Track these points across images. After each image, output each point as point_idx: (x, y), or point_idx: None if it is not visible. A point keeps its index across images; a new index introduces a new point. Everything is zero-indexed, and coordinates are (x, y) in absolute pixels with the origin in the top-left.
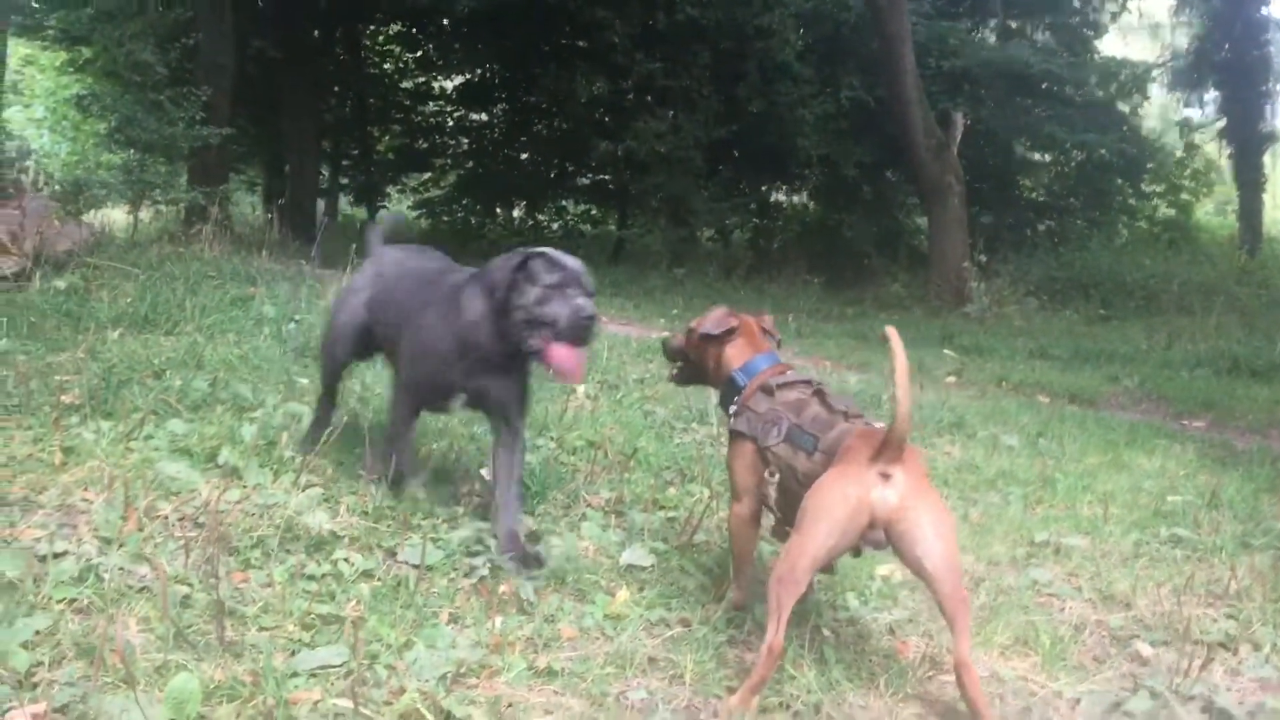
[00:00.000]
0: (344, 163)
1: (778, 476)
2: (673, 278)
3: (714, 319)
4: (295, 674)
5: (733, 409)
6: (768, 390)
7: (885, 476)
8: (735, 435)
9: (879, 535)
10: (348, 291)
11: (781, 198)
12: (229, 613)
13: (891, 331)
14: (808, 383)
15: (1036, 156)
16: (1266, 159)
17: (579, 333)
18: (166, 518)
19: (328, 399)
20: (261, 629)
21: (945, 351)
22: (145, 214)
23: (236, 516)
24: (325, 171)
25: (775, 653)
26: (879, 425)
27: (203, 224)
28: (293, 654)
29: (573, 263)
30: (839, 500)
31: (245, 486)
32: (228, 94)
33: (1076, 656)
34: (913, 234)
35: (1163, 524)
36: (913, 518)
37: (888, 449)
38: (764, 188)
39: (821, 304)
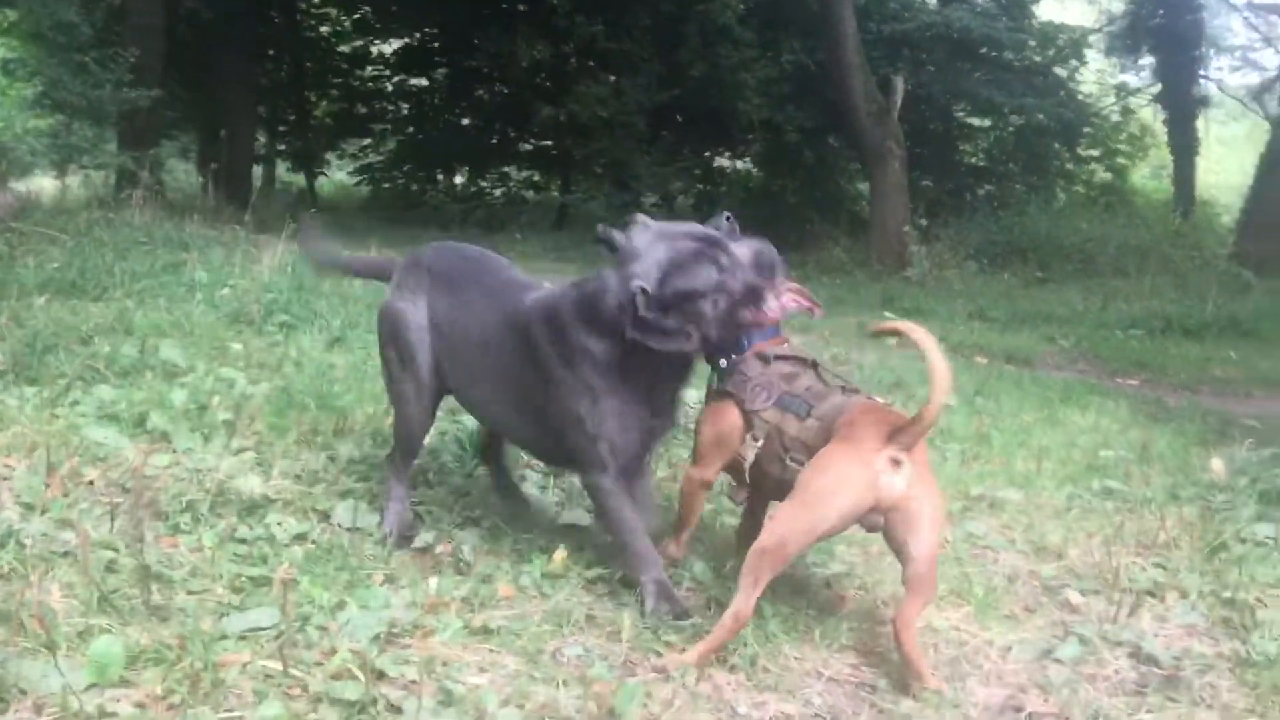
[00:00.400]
0: (281, 128)
1: (760, 441)
2: None
3: None
4: (224, 637)
5: (723, 368)
6: (763, 358)
7: (895, 463)
8: (719, 396)
9: (877, 519)
10: (406, 307)
11: (725, 163)
12: (156, 577)
13: (914, 327)
14: (805, 359)
15: (976, 121)
16: (1199, 124)
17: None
18: (92, 483)
19: (400, 476)
20: (190, 593)
21: (886, 314)
22: (74, 180)
23: (166, 481)
24: (262, 137)
25: (741, 621)
26: (880, 400)
27: (133, 189)
28: (222, 617)
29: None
30: (846, 481)
31: (175, 451)
32: (158, 56)
33: (1009, 606)
34: (854, 199)
35: (1095, 477)
36: (914, 508)
37: (905, 436)
38: (707, 153)
39: None
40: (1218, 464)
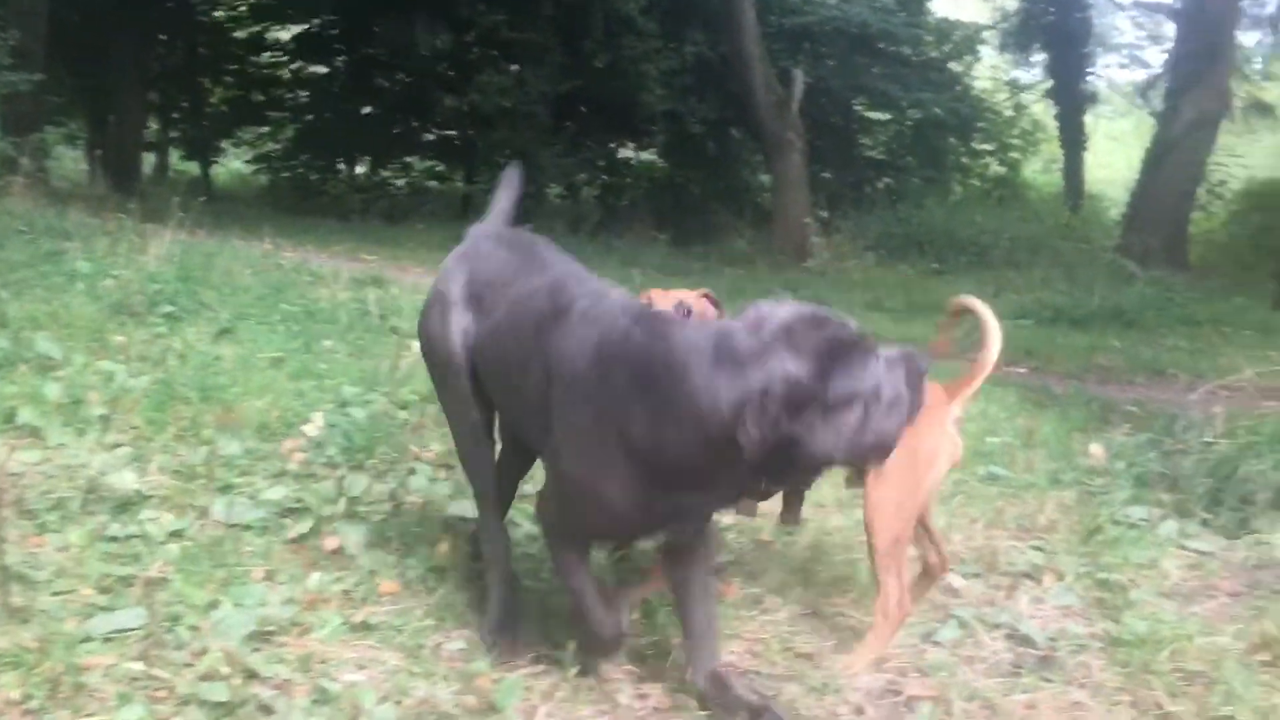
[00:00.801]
0: (174, 115)
1: None
2: None
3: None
4: (88, 639)
5: None
6: None
7: (958, 421)
8: None
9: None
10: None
11: (629, 154)
12: (18, 578)
13: (972, 300)
14: None
15: (875, 115)
16: (1088, 119)
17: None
18: None
19: (492, 519)
20: (54, 594)
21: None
22: None
23: (34, 478)
24: (155, 124)
25: (905, 610)
26: None
27: (13, 176)
28: (87, 619)
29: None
30: (938, 446)
31: (46, 447)
32: (40, 39)
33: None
34: (757, 191)
35: (981, 463)
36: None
37: (965, 394)
38: (611, 144)
39: (669, 259)
40: (1097, 449)
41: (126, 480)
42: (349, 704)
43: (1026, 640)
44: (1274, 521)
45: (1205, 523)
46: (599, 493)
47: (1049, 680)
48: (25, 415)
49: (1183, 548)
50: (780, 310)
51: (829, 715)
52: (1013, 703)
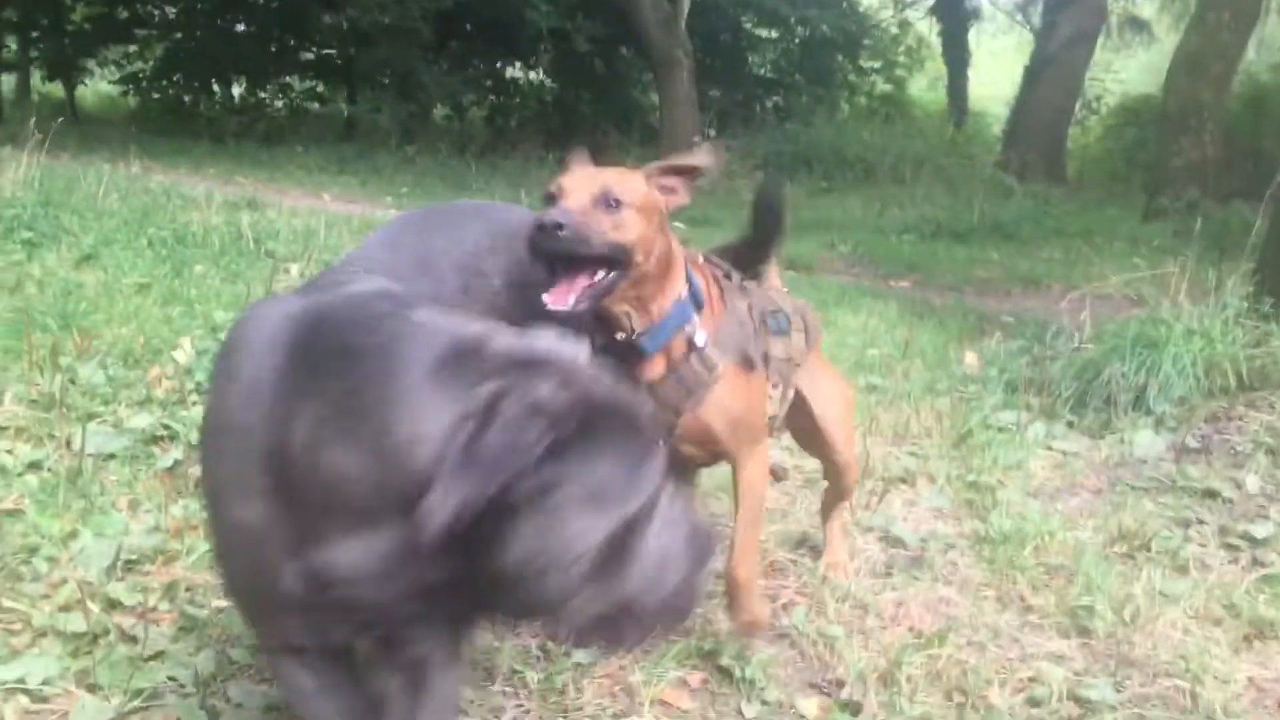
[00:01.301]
0: (33, 34)
1: (779, 386)
2: (403, 155)
3: None
4: None
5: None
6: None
7: None
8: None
9: None
10: None
11: (517, 74)
12: None
13: None
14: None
15: (763, 33)
16: (971, 36)
17: None
18: None
19: None
20: None
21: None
22: None
23: None
24: (13, 44)
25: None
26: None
27: None
28: None
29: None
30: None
31: None
32: None
33: (770, 500)
34: (647, 110)
35: (861, 374)
36: None
37: None
38: (498, 63)
39: (556, 178)
40: (971, 357)
41: None
42: (217, 630)
43: (897, 540)
44: (1134, 421)
45: (1071, 424)
46: (223, 516)
47: (918, 578)
48: None
49: (1049, 448)
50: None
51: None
52: (884, 600)
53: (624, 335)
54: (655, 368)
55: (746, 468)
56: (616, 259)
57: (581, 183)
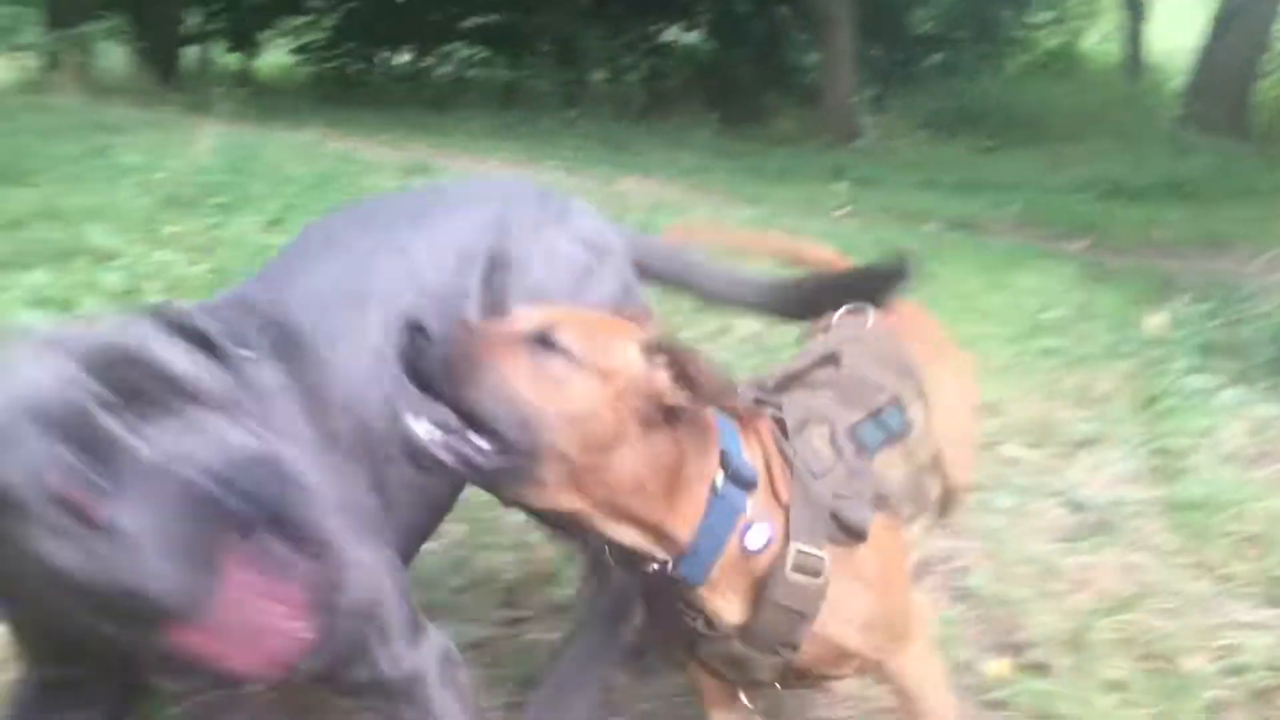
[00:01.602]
0: (213, 7)
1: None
2: (565, 119)
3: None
4: None
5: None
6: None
7: None
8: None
9: None
10: None
11: (675, 37)
12: None
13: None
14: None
15: None
16: None
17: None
18: None
19: None
20: None
21: (834, 186)
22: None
23: None
24: (198, 18)
25: None
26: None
27: (60, 72)
28: None
29: None
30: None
31: None
32: None
33: None
34: (805, 71)
35: (1038, 338)
36: None
37: None
38: (654, 26)
39: (715, 140)
40: (1154, 320)
41: None
42: None
43: (1079, 506)
44: None
45: (1267, 390)
46: None
47: (1105, 543)
48: (86, 304)
49: (1242, 414)
50: None
51: None
52: (1070, 565)
53: (654, 567)
54: (724, 600)
55: (906, 674)
56: (510, 439)
57: (537, 310)
